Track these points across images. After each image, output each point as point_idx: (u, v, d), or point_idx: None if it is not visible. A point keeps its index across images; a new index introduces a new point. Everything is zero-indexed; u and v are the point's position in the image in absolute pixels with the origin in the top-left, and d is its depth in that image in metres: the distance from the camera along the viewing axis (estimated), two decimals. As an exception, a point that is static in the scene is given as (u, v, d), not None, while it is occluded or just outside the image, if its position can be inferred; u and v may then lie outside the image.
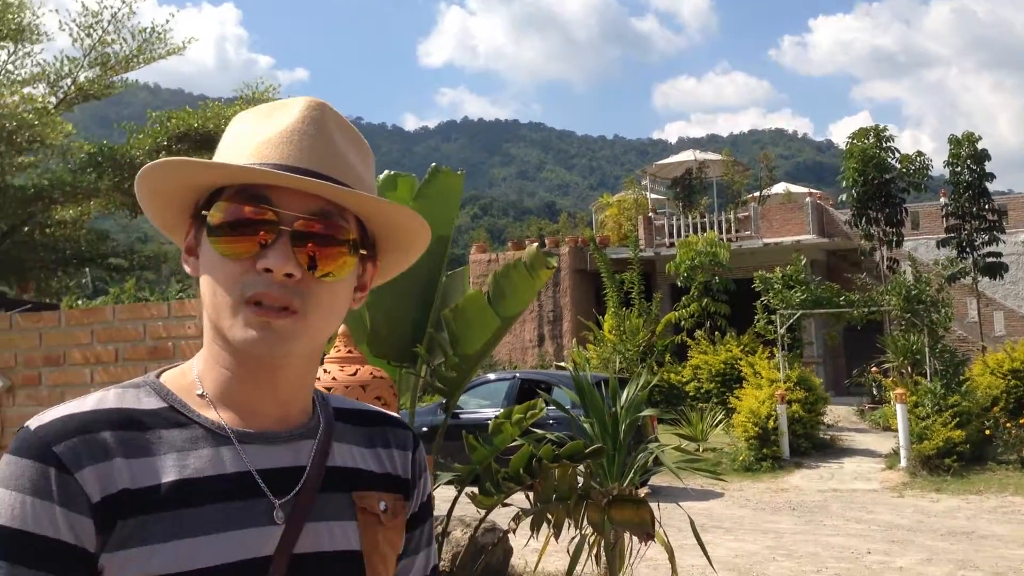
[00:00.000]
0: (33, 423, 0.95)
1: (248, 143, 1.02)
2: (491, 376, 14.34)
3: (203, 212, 1.02)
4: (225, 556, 0.95)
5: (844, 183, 20.36)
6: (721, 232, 25.51)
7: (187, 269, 1.08)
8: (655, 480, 12.57)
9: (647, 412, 5.31)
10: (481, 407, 12.84)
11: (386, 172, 4.83)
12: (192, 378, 1.06)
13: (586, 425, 5.19)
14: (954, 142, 20.49)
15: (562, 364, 22.76)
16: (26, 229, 9.76)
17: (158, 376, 1.07)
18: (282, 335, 0.97)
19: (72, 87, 9.03)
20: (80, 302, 17.07)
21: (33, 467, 0.92)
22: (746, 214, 26.73)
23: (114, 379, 6.13)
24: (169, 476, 0.96)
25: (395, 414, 1.25)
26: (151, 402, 1.02)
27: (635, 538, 4.80)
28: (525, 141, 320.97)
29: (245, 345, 0.98)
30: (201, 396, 1.04)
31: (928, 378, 15.12)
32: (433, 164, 4.87)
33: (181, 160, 0.98)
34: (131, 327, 6.07)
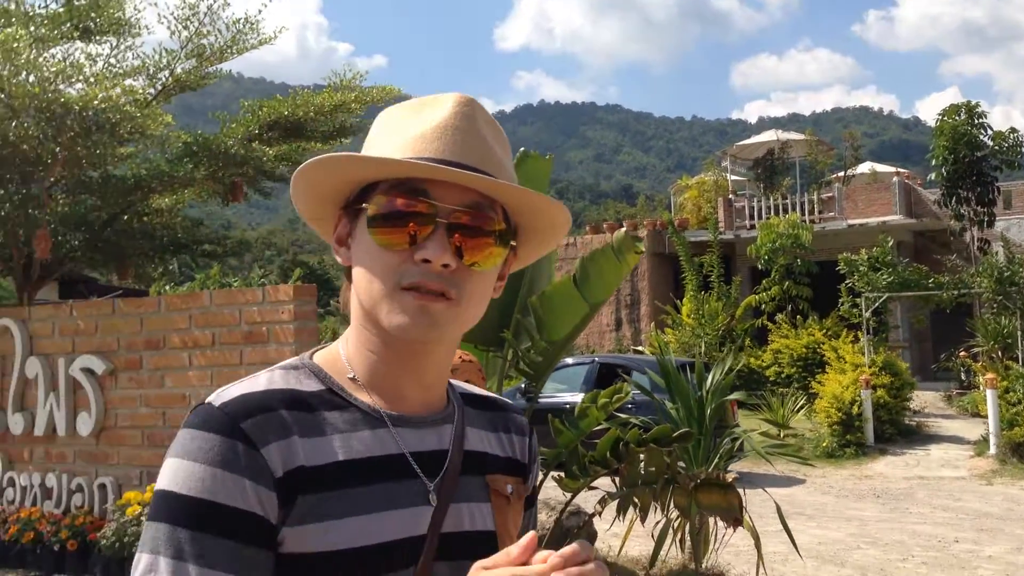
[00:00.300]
0: (216, 400, 0.99)
1: (401, 138, 1.05)
2: (569, 360, 14.35)
3: (357, 206, 1.06)
4: (390, 533, 1.00)
5: (933, 162, 19.79)
6: (804, 214, 25.03)
7: (338, 259, 1.11)
8: (733, 466, 12.50)
9: (734, 396, 5.30)
10: (559, 391, 12.87)
11: (522, 150, 4.93)
12: (342, 362, 1.09)
13: (671, 409, 5.20)
14: (1050, 118, 19.72)
15: (640, 348, 22.68)
16: (125, 217, 10.18)
17: (311, 358, 1.11)
18: (436, 319, 1.01)
19: (169, 79, 9.35)
20: (167, 288, 17.65)
21: (222, 441, 0.95)
22: (830, 195, 26.17)
23: (211, 363, 6.37)
24: (338, 456, 1.00)
25: (510, 401, 1.29)
26: (311, 384, 1.05)
27: (720, 523, 4.82)
28: (602, 124, 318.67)
29: (401, 329, 1.01)
30: (352, 380, 1.08)
31: (1020, 363, 14.67)
32: (522, 149, 4.95)
33: (347, 156, 1.04)
34: (227, 312, 6.30)
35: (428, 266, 1.00)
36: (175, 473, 0.94)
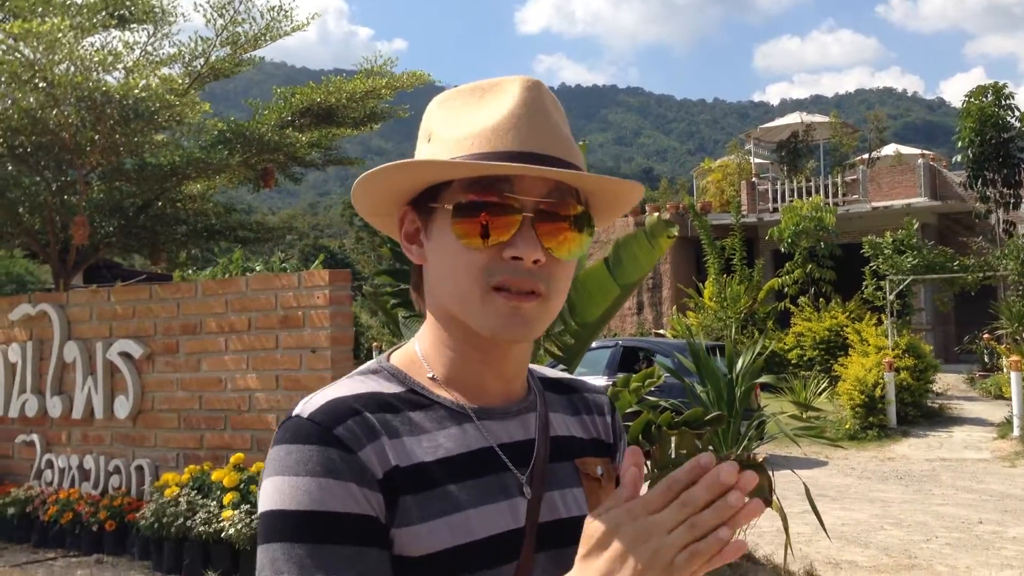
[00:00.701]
0: (303, 411, 0.97)
1: (469, 129, 1.02)
2: (593, 344, 14.41)
3: (431, 203, 1.03)
4: (489, 528, 0.98)
5: (959, 143, 19.65)
6: (827, 196, 24.91)
7: (410, 256, 1.08)
8: (758, 448, 12.55)
9: (764, 379, 5.36)
10: (582, 375, 12.93)
11: None
12: (420, 361, 1.08)
13: (701, 392, 5.26)
14: (1079, 98, 19.55)
15: (661, 332, 22.70)
16: (159, 204, 10.33)
17: (388, 360, 1.10)
18: (529, 320, 0.99)
19: (204, 66, 9.46)
20: (191, 272, 17.80)
21: (320, 450, 0.93)
22: (854, 177, 26.01)
23: (247, 347, 6.50)
24: (429, 455, 0.99)
25: (588, 381, 1.26)
26: (391, 386, 1.04)
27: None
28: (623, 107, 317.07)
29: (494, 332, 1.00)
30: (432, 379, 1.06)
31: (1045, 346, 14.62)
32: None
33: (431, 161, 1.00)
34: (263, 297, 6.42)
35: (518, 263, 0.98)
36: (279, 491, 0.92)
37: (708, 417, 4.15)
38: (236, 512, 5.91)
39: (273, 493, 0.93)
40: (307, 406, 0.98)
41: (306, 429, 0.95)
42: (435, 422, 1.02)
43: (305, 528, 0.90)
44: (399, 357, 1.10)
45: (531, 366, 1.18)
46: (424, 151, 1.06)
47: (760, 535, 7.19)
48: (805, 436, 5.26)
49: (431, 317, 1.08)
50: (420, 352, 1.09)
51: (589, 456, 1.13)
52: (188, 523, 6.04)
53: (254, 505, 5.94)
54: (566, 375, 1.24)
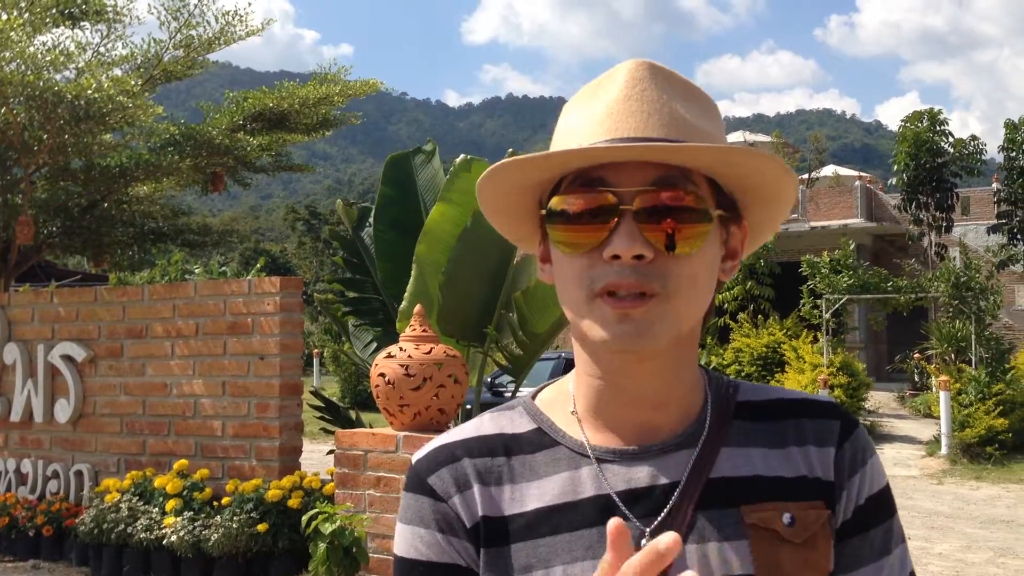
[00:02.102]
0: (415, 457, 0.99)
1: (578, 124, 0.94)
2: (537, 354, 14.56)
3: (543, 213, 0.95)
4: None
5: (895, 167, 20.24)
6: (767, 215, 25.41)
7: (543, 279, 1.00)
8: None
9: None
10: (524, 386, 13.04)
11: (462, 156, 5.05)
12: (568, 393, 1.00)
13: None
14: (1010, 127, 20.25)
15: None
16: (105, 205, 10.20)
17: (535, 395, 1.04)
18: (643, 324, 0.88)
19: (156, 69, 9.40)
20: (126, 274, 17.53)
21: (416, 499, 0.96)
22: (793, 197, 26.59)
23: (194, 352, 6.47)
24: (528, 504, 0.93)
25: (825, 398, 1.04)
26: (523, 423, 0.99)
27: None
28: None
29: (606, 342, 0.89)
30: (572, 413, 0.98)
31: (973, 365, 15.08)
32: (462, 156, 5.05)
33: (497, 166, 0.93)
34: (212, 303, 6.39)
35: (619, 262, 0.87)
36: (397, 537, 0.98)
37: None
38: (178, 519, 5.87)
39: (395, 538, 0.98)
40: (422, 449, 0.99)
41: (410, 476, 0.98)
42: (551, 465, 0.95)
43: (404, 573, 0.95)
44: (550, 389, 1.04)
45: (746, 384, 1.04)
46: None
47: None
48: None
49: (574, 340, 0.99)
50: (571, 384, 1.00)
51: (782, 500, 0.94)
52: (129, 529, 5.97)
53: (196, 512, 5.91)
54: (793, 394, 1.03)
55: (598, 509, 0.91)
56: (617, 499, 0.92)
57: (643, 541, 0.89)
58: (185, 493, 6.07)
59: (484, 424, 1.00)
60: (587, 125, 0.91)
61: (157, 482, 6.19)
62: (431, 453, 0.98)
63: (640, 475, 0.93)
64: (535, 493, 0.93)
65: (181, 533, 5.77)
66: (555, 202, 0.92)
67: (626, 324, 0.88)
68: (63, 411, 7.00)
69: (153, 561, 5.90)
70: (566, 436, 0.96)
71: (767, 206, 0.98)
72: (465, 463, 0.95)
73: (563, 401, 0.99)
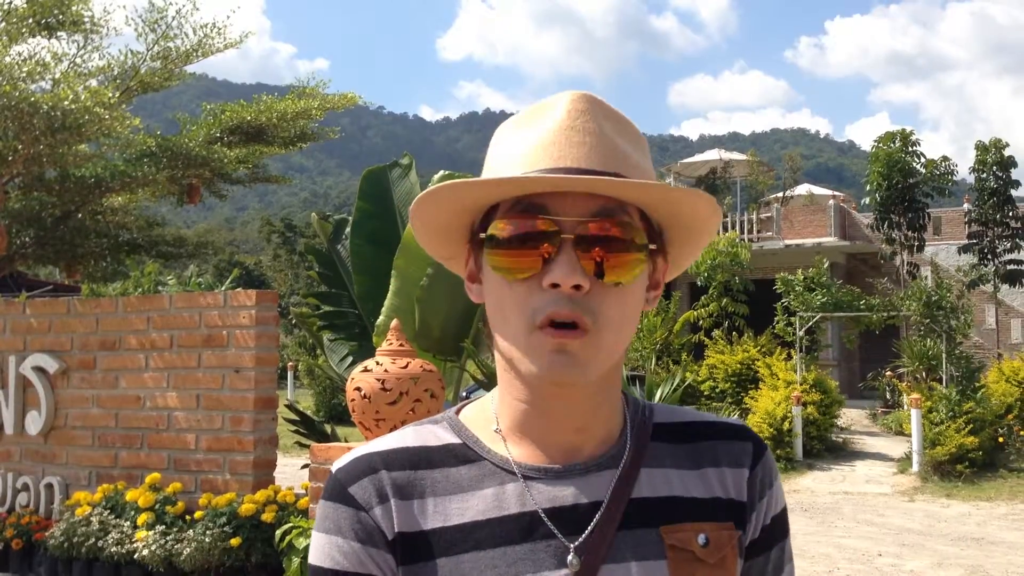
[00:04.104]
0: (335, 465, 0.98)
1: (518, 150, 0.94)
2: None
3: (480, 235, 0.96)
4: None
5: (868, 187, 20.47)
6: (743, 232, 25.65)
7: (472, 297, 1.01)
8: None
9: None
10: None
11: (441, 172, 5.08)
12: (490, 412, 1.01)
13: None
14: (980, 148, 20.60)
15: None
16: (79, 216, 10.15)
17: (458, 411, 1.05)
18: (577, 358, 0.89)
19: (133, 80, 9.39)
20: (98, 285, 17.43)
21: (335, 508, 0.95)
22: (768, 215, 26.85)
23: (168, 365, 6.43)
24: (451, 519, 0.94)
25: (736, 421, 1.09)
26: (446, 436, 1.00)
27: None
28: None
29: (539, 377, 0.91)
30: (496, 431, 0.99)
31: (943, 384, 15.26)
32: (442, 172, 5.11)
33: (439, 188, 0.93)
34: (187, 315, 6.36)
35: (558, 291, 0.89)
36: (312, 545, 0.97)
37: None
38: (150, 533, 5.81)
39: (311, 546, 0.97)
40: (343, 459, 0.99)
41: (330, 485, 0.97)
42: (474, 481, 0.96)
43: None
44: (472, 407, 1.05)
45: (661, 407, 1.08)
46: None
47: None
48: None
49: (497, 362, 1.00)
50: (493, 403, 1.02)
51: (697, 521, 0.98)
52: (100, 543, 5.91)
53: (169, 526, 5.86)
54: (707, 417, 1.08)
55: (524, 525, 0.93)
56: (544, 516, 0.93)
57: (568, 558, 0.91)
58: (157, 507, 6.02)
59: (407, 436, 1.00)
60: (529, 151, 0.93)
61: (129, 495, 6.13)
62: (353, 462, 0.97)
63: (565, 493, 0.95)
64: (458, 508, 0.94)
65: (153, 547, 5.72)
66: (496, 227, 0.92)
67: (562, 356, 0.89)
68: (34, 423, 6.93)
69: (124, 575, 5.85)
70: (491, 452, 0.98)
71: (691, 241, 1.01)
72: (383, 475, 0.96)
73: (486, 419, 1.01)
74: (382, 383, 4.27)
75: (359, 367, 4.39)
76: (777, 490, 1.05)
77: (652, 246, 0.95)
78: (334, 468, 0.97)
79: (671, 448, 1.02)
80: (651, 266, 0.98)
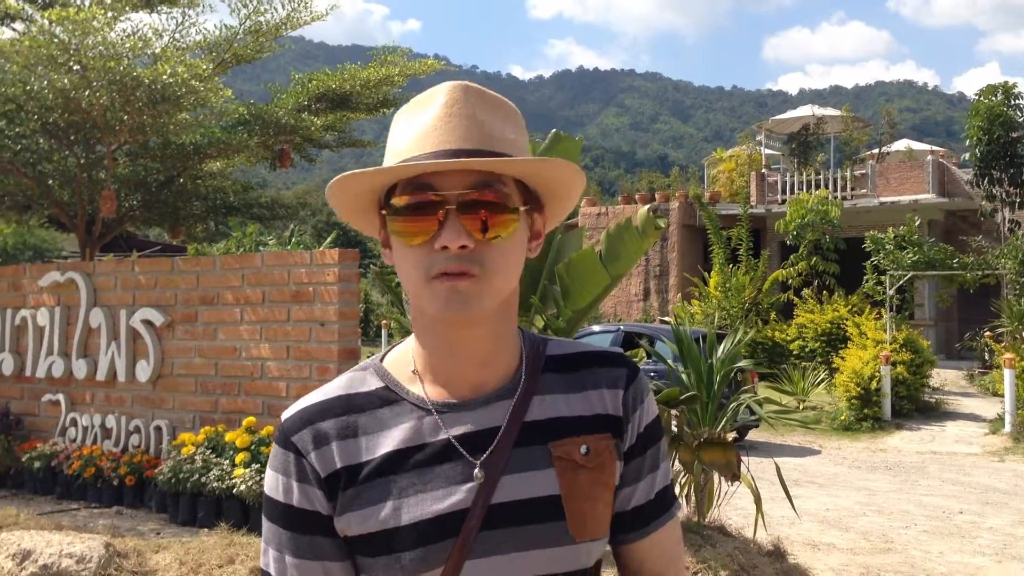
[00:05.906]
0: (284, 414, 1.20)
1: (408, 137, 1.13)
2: (596, 328, 14.76)
3: (383, 211, 1.16)
4: (428, 512, 1.11)
5: (967, 142, 19.82)
6: (836, 190, 25.11)
7: (385, 260, 1.21)
8: (754, 435, 12.85)
9: (740, 364, 5.68)
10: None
11: (553, 131, 5.32)
12: (409, 356, 1.22)
13: (683, 375, 5.59)
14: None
15: (666, 319, 22.97)
16: (180, 180, 10.79)
17: (382, 358, 1.25)
18: (467, 296, 1.09)
19: (227, 53, 9.88)
20: (204, 245, 18.15)
21: (282, 452, 1.17)
22: (863, 172, 26.17)
23: (261, 319, 6.89)
24: (378, 451, 1.15)
25: (615, 351, 1.30)
26: (372, 382, 1.21)
27: (724, 482, 5.24)
28: (639, 92, 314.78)
29: (440, 313, 1.10)
30: (413, 372, 1.20)
31: (1042, 344, 14.85)
32: (553, 131, 5.33)
33: (343, 177, 1.12)
34: (277, 272, 6.80)
35: (447, 252, 1.08)
36: (266, 478, 1.19)
37: (683, 396, 4.49)
38: (247, 470, 6.31)
39: (265, 478, 1.21)
40: (290, 410, 1.20)
41: (279, 432, 1.19)
42: (397, 418, 1.16)
43: (274, 511, 1.17)
44: (394, 353, 1.25)
45: (555, 340, 1.29)
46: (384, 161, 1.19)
47: (745, 516, 7.49)
48: (779, 419, 5.58)
49: (411, 313, 1.21)
50: (412, 347, 1.22)
51: (580, 435, 1.19)
52: (203, 479, 6.44)
53: (263, 465, 6.32)
54: (590, 348, 1.29)
55: (438, 450, 1.14)
56: (455, 442, 1.14)
57: (475, 471, 1.13)
58: (253, 447, 6.51)
59: (341, 384, 1.21)
60: (414, 138, 1.12)
61: (228, 437, 6.63)
62: (296, 415, 1.19)
63: (471, 422, 1.16)
64: (385, 441, 1.15)
65: (249, 483, 6.22)
66: (394, 201, 1.12)
67: (454, 295, 1.09)
68: (143, 371, 7.50)
69: (224, 508, 6.35)
70: (409, 393, 1.18)
71: (561, 198, 1.22)
72: (321, 425, 1.16)
73: (405, 362, 1.22)
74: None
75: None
76: (649, 404, 1.27)
77: (526, 207, 1.16)
78: (283, 417, 1.19)
79: (560, 377, 1.23)
80: (529, 220, 1.18)
